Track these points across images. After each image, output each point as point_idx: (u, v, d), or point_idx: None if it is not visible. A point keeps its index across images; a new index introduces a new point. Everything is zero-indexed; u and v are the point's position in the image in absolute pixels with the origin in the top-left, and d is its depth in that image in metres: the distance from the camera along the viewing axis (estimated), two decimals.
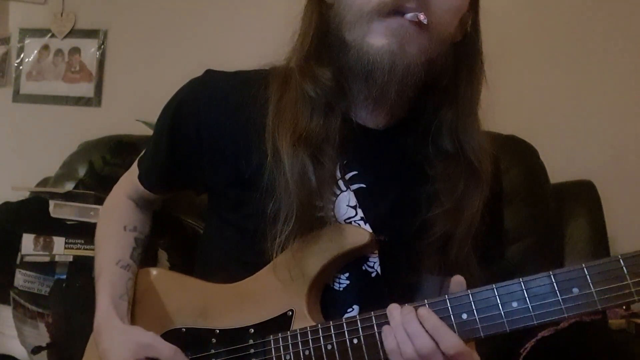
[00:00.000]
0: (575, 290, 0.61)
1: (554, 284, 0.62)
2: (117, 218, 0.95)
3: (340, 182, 0.79)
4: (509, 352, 1.09)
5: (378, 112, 0.81)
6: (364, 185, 0.79)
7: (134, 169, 0.97)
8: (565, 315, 0.61)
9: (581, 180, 1.55)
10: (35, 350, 1.33)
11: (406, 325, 0.65)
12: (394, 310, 0.67)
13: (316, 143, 0.75)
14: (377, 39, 0.70)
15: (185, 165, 0.88)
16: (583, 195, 1.52)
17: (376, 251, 0.78)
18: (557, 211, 1.49)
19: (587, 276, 0.61)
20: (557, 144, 1.67)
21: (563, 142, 1.70)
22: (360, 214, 0.78)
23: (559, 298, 0.61)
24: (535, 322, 0.62)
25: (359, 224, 0.78)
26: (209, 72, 0.87)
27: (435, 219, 0.77)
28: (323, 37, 0.77)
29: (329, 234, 0.76)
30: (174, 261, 1.24)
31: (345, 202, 0.78)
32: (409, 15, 0.69)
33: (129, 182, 0.98)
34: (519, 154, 1.51)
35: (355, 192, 0.79)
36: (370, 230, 0.77)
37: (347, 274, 0.78)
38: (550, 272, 0.62)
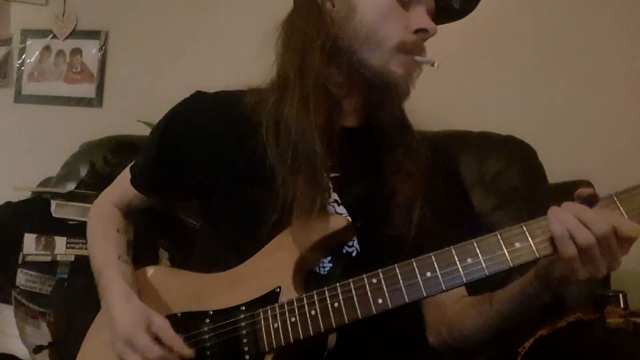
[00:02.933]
0: (518, 244, 0.72)
1: (500, 241, 0.72)
2: (109, 222, 1.04)
3: None
4: (508, 352, 1.10)
5: (356, 113, 0.94)
6: (337, 174, 0.89)
7: (122, 180, 1.06)
8: (511, 264, 0.71)
9: (580, 180, 1.55)
10: (37, 349, 1.34)
11: (580, 213, 0.70)
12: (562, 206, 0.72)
13: (321, 128, 0.85)
14: (398, 68, 0.87)
15: (174, 167, 0.97)
16: None
17: (354, 236, 0.87)
18: None
19: (526, 232, 0.72)
20: (556, 144, 1.67)
21: (562, 142, 1.70)
22: (335, 197, 0.88)
23: (505, 251, 0.72)
24: (487, 272, 0.72)
25: (333, 207, 0.87)
26: (198, 92, 0.99)
27: (400, 182, 0.89)
28: (330, 40, 0.88)
29: (310, 221, 0.83)
30: (174, 260, 1.25)
31: None
32: (418, 58, 0.89)
33: (115, 192, 1.07)
34: (518, 154, 1.51)
35: (331, 179, 0.88)
36: (345, 212, 0.87)
37: (329, 258, 0.87)
38: (497, 232, 0.73)
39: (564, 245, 0.69)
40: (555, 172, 1.52)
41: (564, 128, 1.72)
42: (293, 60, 0.90)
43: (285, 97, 0.89)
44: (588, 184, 1.52)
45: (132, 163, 1.05)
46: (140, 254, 1.05)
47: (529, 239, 0.71)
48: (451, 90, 1.78)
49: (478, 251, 0.73)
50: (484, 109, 1.73)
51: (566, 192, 1.55)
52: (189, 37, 2.06)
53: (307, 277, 0.85)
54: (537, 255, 0.71)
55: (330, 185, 0.87)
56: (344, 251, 0.87)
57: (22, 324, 1.39)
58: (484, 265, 0.72)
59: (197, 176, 0.94)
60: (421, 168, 0.91)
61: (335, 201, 0.88)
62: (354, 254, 0.87)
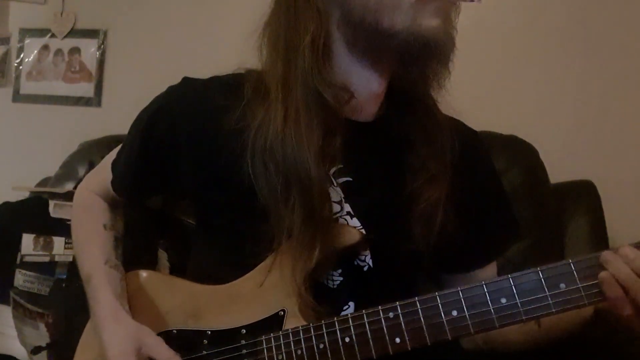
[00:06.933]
0: (563, 285, 0.62)
1: (542, 280, 0.63)
2: (95, 217, 0.94)
3: None
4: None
5: (371, 104, 0.82)
6: (350, 179, 0.79)
7: (103, 168, 0.96)
8: (553, 310, 0.62)
9: (581, 180, 1.55)
10: (35, 350, 1.33)
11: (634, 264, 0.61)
12: (608, 255, 0.62)
13: (317, 145, 0.74)
14: (431, 20, 0.72)
15: (159, 172, 0.88)
16: (583, 195, 1.52)
17: (367, 249, 0.78)
18: (557, 211, 1.49)
19: (574, 272, 0.62)
20: (557, 144, 1.67)
21: (563, 142, 1.70)
22: (347, 208, 0.78)
23: (547, 294, 0.62)
24: (524, 318, 0.63)
25: (345, 220, 0.78)
26: (185, 80, 0.88)
27: (422, 187, 0.78)
28: (329, 32, 0.77)
29: (319, 233, 0.74)
30: (174, 261, 1.24)
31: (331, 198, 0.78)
32: None
33: (97, 181, 0.97)
34: (519, 153, 1.51)
35: (342, 186, 0.79)
36: (359, 224, 0.77)
37: (339, 271, 0.78)
38: (538, 268, 0.63)
39: (619, 308, 0.61)
40: (557, 172, 1.52)
41: (565, 128, 1.72)
42: (276, 70, 0.78)
43: (268, 116, 0.76)
44: (590, 184, 1.53)
45: (115, 158, 0.94)
46: (139, 254, 1.04)
47: (577, 281, 0.62)
48: (452, 90, 1.78)
49: (514, 290, 0.64)
50: (485, 109, 1.73)
51: (568, 192, 1.56)
52: (188, 35, 2.05)
53: (315, 289, 0.76)
54: (586, 302, 0.62)
55: (342, 194, 0.78)
56: (355, 263, 0.78)
57: (21, 324, 1.38)
58: (520, 309, 0.63)
59: (185, 183, 0.84)
60: (446, 166, 0.80)
61: (348, 213, 0.78)
62: (365, 268, 0.78)
